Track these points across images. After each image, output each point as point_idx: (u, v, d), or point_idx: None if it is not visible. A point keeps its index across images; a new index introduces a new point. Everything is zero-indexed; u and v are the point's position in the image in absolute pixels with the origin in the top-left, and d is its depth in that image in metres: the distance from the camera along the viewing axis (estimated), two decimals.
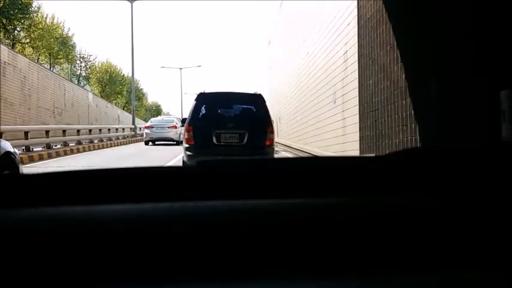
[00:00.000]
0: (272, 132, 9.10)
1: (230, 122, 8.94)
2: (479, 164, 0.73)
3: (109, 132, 24.01)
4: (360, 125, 10.11)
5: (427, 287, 0.54)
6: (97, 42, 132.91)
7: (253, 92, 9.84)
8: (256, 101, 9.40)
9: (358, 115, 10.27)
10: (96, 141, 21.12)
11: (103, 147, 20.20)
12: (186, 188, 0.69)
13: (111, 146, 21.44)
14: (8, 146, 5.06)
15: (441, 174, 0.71)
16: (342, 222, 0.60)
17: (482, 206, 0.63)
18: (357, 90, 10.49)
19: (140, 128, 33.75)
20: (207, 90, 9.53)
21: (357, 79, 10.35)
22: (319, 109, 14.71)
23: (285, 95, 22.75)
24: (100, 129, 22.29)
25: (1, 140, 5.62)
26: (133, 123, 30.82)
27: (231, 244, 0.57)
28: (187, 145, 8.79)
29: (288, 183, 0.70)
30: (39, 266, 0.54)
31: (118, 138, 25.13)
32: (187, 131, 8.84)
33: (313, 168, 0.76)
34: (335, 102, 12.67)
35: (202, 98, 9.32)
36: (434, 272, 0.55)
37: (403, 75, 7.76)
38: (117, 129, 26.45)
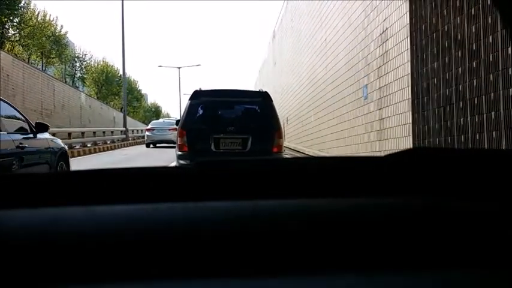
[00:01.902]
0: (280, 136, 7.57)
1: (231, 125, 7.45)
2: (480, 165, 0.71)
3: (94, 136, 21.05)
4: (414, 127, 7.11)
5: (427, 287, 0.53)
6: (93, 41, 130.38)
7: (258, 90, 8.68)
8: (262, 100, 7.79)
9: (410, 113, 7.29)
10: (78, 146, 18.07)
11: (84, 154, 17.13)
12: (186, 188, 0.67)
13: (95, 152, 18.46)
14: (61, 143, 6.68)
15: (442, 175, 0.69)
16: (342, 222, 0.59)
17: (482, 206, 0.62)
18: (405, 79, 7.50)
19: (133, 131, 31.19)
20: (206, 89, 8.10)
21: (408, 64, 7.36)
22: (341, 107, 11.71)
23: (293, 92, 19.68)
24: (83, 133, 19.20)
25: (56, 138, 6.87)
26: (125, 125, 27.29)
27: (231, 244, 0.56)
28: (180, 152, 7.32)
29: (288, 184, 0.68)
30: (39, 266, 0.53)
31: (106, 143, 22.08)
32: (181, 135, 7.40)
33: (313, 169, 0.74)
34: (366, 98, 9.69)
35: (198, 97, 7.73)
36: (435, 272, 0.54)
37: (510, 49, 4.83)
38: (104, 132, 23.35)
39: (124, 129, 26.98)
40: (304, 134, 17.14)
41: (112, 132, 24.51)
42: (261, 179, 0.68)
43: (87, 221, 0.58)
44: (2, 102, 5.44)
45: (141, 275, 0.53)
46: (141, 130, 35.73)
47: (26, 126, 5.79)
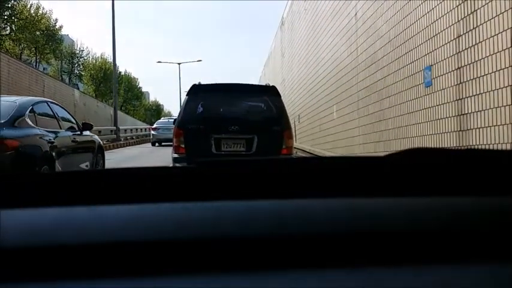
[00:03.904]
0: (290, 137, 6.74)
1: (234, 123, 6.55)
2: (480, 165, 0.70)
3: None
4: None
5: (427, 285, 0.53)
6: (92, 39, 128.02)
7: (264, 84, 7.92)
8: (269, 95, 6.98)
9: None
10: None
11: None
12: (186, 188, 0.67)
13: None
14: (98, 138, 8.10)
15: (442, 175, 0.68)
16: (341, 222, 0.59)
17: (483, 206, 0.62)
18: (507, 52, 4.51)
19: (126, 130, 28.33)
20: (206, 83, 7.31)
21: None
22: (381, 100, 8.67)
23: (307, 85, 16.62)
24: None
25: (94, 135, 8.13)
26: (116, 123, 23.95)
27: (231, 244, 0.55)
28: (176, 155, 6.50)
29: (289, 184, 0.68)
30: (40, 266, 0.53)
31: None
32: (177, 135, 6.53)
33: (314, 169, 0.73)
34: (430, 85, 6.69)
35: (197, 92, 6.89)
36: (435, 271, 0.54)
37: None
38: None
39: (114, 128, 23.84)
40: (322, 135, 14.11)
41: (100, 131, 21.33)
42: (262, 179, 0.67)
43: (88, 221, 0.57)
44: (59, 107, 6.86)
45: (141, 274, 0.52)
46: (136, 129, 32.71)
47: (75, 126, 7.09)
